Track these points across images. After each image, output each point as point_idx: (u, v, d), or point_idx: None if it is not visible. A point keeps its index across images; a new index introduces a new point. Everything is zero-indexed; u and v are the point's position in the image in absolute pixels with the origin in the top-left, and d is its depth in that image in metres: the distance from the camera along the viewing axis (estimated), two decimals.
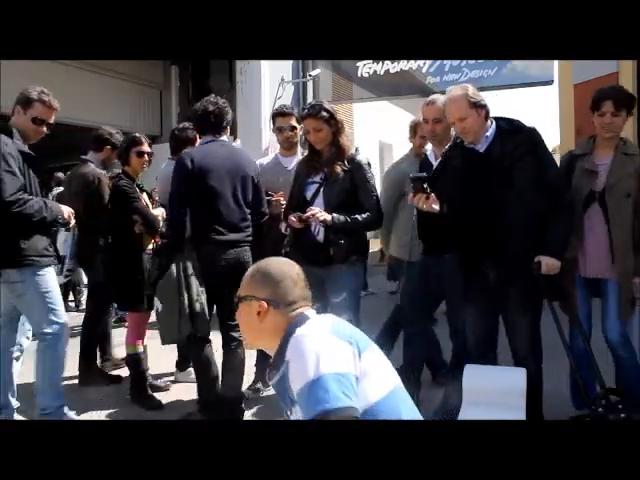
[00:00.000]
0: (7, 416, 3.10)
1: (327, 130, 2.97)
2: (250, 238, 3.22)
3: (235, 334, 3.19)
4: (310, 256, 2.89)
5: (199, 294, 3.01)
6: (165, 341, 3.14)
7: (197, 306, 2.99)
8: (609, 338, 2.78)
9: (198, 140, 3.46)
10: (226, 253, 3.07)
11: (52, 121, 3.16)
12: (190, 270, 3.02)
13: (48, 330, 3.03)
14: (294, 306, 1.55)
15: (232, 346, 3.21)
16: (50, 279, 3.08)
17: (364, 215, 2.94)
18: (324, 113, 2.96)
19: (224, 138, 3.26)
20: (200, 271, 3.05)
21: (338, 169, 2.97)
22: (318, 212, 2.87)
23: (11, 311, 3.13)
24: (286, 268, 1.62)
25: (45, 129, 3.14)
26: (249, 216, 3.22)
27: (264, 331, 1.55)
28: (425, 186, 2.53)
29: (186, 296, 2.98)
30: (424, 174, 2.66)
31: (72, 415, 3.23)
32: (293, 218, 2.92)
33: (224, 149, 3.19)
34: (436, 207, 2.56)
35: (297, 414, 1.42)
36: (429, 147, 3.34)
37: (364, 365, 1.40)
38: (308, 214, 2.88)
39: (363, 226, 2.99)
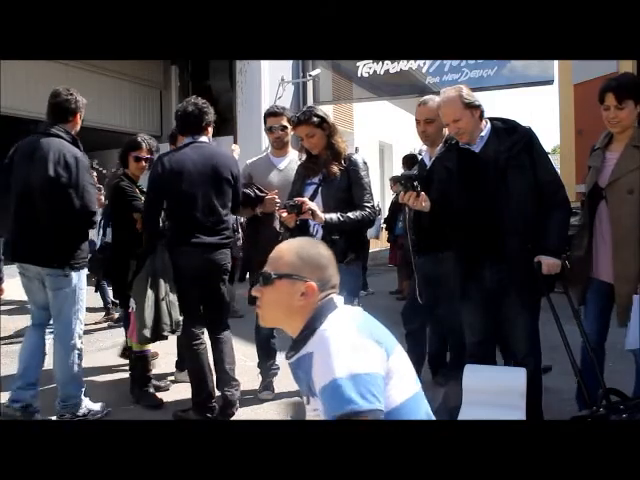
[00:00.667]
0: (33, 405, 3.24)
1: (320, 134, 2.99)
2: (227, 240, 3.26)
3: (221, 333, 3.31)
4: None
5: (167, 293, 3.07)
6: (140, 340, 3.21)
7: (162, 305, 3.04)
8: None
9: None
10: (201, 256, 3.13)
11: None
12: (159, 270, 3.08)
13: (73, 326, 3.24)
14: (330, 291, 1.55)
15: (219, 345, 3.29)
16: (85, 279, 3.35)
17: (357, 213, 2.93)
18: (315, 118, 2.97)
19: (204, 139, 3.27)
20: (176, 273, 3.12)
21: (335, 169, 2.99)
22: (308, 202, 2.87)
23: (42, 310, 3.34)
24: (330, 254, 1.59)
25: None
26: (226, 218, 3.25)
27: (297, 311, 1.51)
28: (415, 184, 2.53)
29: (152, 295, 3.04)
30: (414, 172, 2.67)
31: (91, 406, 3.36)
32: (284, 213, 2.90)
33: (200, 151, 3.19)
34: (426, 205, 2.56)
35: (317, 405, 1.42)
36: (423, 148, 3.35)
37: (391, 366, 1.39)
38: (297, 200, 2.88)
39: (356, 223, 2.96)
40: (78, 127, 3.31)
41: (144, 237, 3.40)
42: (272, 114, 3.64)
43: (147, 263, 3.12)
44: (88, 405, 3.34)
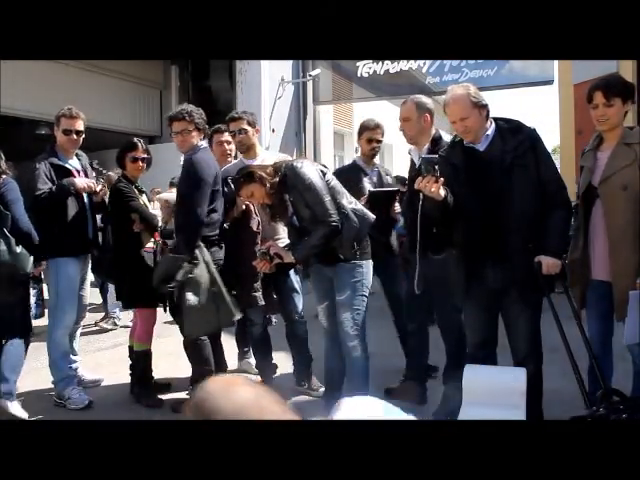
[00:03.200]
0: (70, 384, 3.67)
1: (257, 187, 2.96)
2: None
3: None
4: (319, 255, 2.96)
5: (221, 283, 3.32)
6: (201, 332, 3.36)
7: (227, 296, 3.31)
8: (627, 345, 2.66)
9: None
10: (212, 249, 3.39)
11: (81, 128, 3.66)
12: (212, 265, 3.31)
13: (55, 312, 3.61)
14: None
15: (217, 344, 3.64)
16: (67, 269, 3.57)
17: (319, 232, 2.86)
18: (242, 179, 2.99)
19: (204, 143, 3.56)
20: None
21: (286, 197, 2.98)
22: (271, 245, 3.00)
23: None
24: None
25: (75, 137, 3.64)
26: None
27: None
28: (436, 168, 2.47)
29: (222, 287, 3.29)
30: (436, 157, 2.60)
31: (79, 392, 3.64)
32: (258, 264, 3.02)
33: (211, 155, 3.56)
34: (442, 193, 2.50)
35: None
36: (412, 147, 3.38)
37: None
38: (264, 246, 3.02)
39: (323, 240, 2.87)
40: (61, 137, 3.64)
41: (191, 233, 3.40)
42: (232, 119, 3.77)
43: (199, 257, 3.27)
44: (73, 395, 3.60)
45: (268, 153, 3.80)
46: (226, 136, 3.96)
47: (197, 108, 3.55)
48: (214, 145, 3.96)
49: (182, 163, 3.55)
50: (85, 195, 3.69)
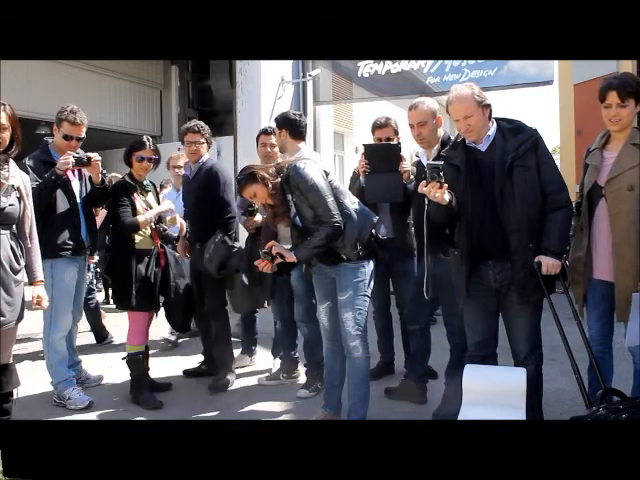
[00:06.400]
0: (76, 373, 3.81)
1: (259, 187, 2.92)
2: None
3: None
4: (321, 255, 2.95)
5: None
6: (250, 308, 4.01)
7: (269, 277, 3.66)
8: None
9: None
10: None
11: (82, 135, 3.61)
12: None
13: (49, 315, 3.55)
14: None
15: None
16: (61, 272, 3.53)
17: (321, 234, 2.84)
18: (244, 180, 2.96)
19: None
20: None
21: (289, 197, 2.95)
22: (273, 245, 2.94)
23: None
24: None
25: (75, 143, 3.57)
26: None
27: None
28: (441, 175, 2.47)
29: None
30: (441, 162, 2.60)
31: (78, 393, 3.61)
32: (260, 264, 2.97)
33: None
34: (447, 198, 2.50)
35: None
36: (420, 149, 3.35)
37: None
38: (267, 246, 2.96)
39: (325, 242, 2.86)
40: (60, 141, 3.56)
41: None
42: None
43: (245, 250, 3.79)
44: (73, 395, 3.58)
45: (308, 151, 3.75)
46: (271, 139, 3.91)
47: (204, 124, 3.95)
48: (259, 146, 3.99)
49: (201, 171, 3.83)
50: (77, 193, 3.61)
